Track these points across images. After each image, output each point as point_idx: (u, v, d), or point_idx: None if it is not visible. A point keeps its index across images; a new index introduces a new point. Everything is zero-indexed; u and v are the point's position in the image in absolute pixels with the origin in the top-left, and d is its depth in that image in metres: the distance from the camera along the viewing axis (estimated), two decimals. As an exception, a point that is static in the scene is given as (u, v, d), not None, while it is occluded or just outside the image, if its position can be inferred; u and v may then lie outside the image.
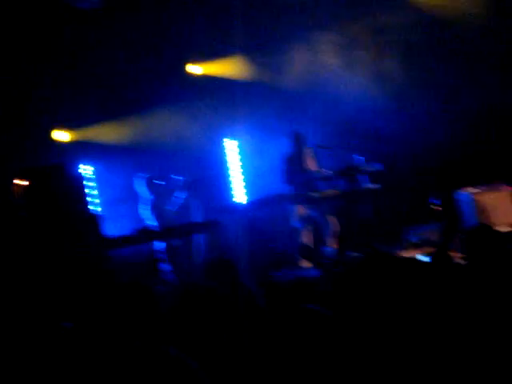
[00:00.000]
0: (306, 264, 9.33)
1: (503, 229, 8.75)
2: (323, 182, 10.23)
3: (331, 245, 9.95)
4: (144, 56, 11.25)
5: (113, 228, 10.08)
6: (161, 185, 10.60)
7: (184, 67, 11.96)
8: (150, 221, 10.43)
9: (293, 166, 10.35)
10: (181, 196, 10.68)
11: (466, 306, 3.65)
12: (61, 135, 11.55)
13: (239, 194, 11.99)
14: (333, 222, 10.19)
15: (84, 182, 9.72)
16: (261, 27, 11.13)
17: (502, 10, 10.36)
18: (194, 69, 12.01)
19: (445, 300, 3.86)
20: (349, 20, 11.08)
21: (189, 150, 11.38)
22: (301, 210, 10.15)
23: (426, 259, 7.34)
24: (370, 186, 10.26)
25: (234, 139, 12.13)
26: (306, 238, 10.12)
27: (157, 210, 10.54)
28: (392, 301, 3.64)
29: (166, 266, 10.17)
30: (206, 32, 11.21)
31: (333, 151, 10.28)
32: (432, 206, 10.30)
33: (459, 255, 5.45)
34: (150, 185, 10.55)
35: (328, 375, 3.32)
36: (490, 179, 10.46)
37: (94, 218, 9.37)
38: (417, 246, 9.83)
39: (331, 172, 10.08)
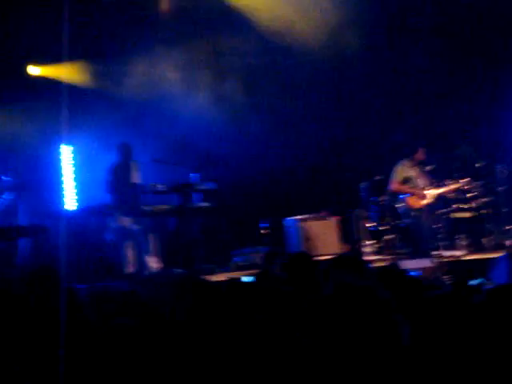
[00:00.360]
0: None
1: (326, 256, 9.06)
2: (155, 197, 10.20)
3: (150, 260, 9.88)
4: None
5: None
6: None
7: (25, 68, 11.63)
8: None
9: (117, 177, 10.21)
10: (8, 197, 10.34)
11: (287, 325, 3.76)
12: None
13: (70, 201, 11.75)
14: (152, 239, 10.09)
15: None
16: (105, 36, 11.02)
17: (340, 42, 10.74)
18: (34, 70, 11.71)
19: (264, 319, 3.96)
20: (193, 39, 11.16)
21: (22, 151, 11.05)
22: (124, 222, 9.98)
23: (249, 279, 7.49)
24: (203, 204, 10.36)
25: (70, 145, 11.90)
26: (128, 251, 9.98)
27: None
28: (203, 319, 3.70)
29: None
30: (50, 34, 10.92)
31: (168, 166, 10.29)
32: (261, 230, 10.54)
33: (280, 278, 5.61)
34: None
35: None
36: (318, 208, 10.82)
37: None
38: (242, 268, 10.00)
39: (165, 187, 10.06)
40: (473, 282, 6.03)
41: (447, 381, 3.13)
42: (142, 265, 9.75)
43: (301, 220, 10.61)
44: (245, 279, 8.65)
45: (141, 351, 3.45)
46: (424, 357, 3.00)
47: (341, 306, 2.70)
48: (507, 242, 10.89)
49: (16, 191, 10.42)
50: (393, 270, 4.73)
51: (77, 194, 11.76)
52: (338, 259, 4.94)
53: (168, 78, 11.25)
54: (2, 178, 10.45)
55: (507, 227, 11.13)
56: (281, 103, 11.70)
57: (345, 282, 2.70)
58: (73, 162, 11.92)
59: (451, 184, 10.99)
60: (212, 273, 9.55)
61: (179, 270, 9.58)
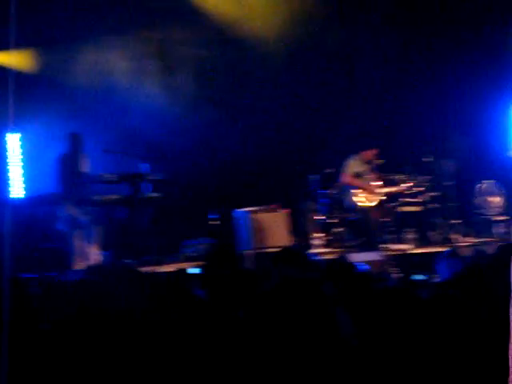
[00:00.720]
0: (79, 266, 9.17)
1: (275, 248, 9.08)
2: (104, 187, 10.10)
3: (93, 251, 9.76)
4: None
5: None
6: None
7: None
8: None
9: (66, 166, 10.07)
10: None
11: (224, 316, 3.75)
12: None
13: (17, 189, 11.56)
14: (100, 229, 9.99)
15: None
16: (54, 24, 10.83)
17: (293, 35, 10.74)
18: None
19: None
20: (144, 29, 11.05)
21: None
22: (72, 212, 9.85)
23: (196, 271, 7.49)
24: (152, 194, 10.30)
25: (17, 133, 11.71)
26: (77, 241, 9.86)
27: None
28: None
29: None
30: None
31: (118, 157, 10.20)
32: (210, 222, 10.51)
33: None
34: None
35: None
36: (268, 200, 10.83)
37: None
38: (191, 259, 9.96)
39: (114, 176, 9.97)
40: (418, 277, 6.11)
41: (392, 373, 3.16)
42: (88, 255, 9.64)
43: (251, 212, 10.60)
44: (191, 271, 8.66)
45: (89, 343, 3.42)
46: (367, 349, 3.02)
47: (282, 299, 2.71)
48: (453, 236, 11.06)
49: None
50: (341, 263, 4.76)
51: (24, 183, 11.59)
52: (283, 252, 4.95)
53: (119, 67, 11.12)
54: None
55: (453, 221, 11.31)
56: (232, 95, 11.68)
57: (285, 276, 2.70)
58: (20, 150, 11.74)
59: (400, 182, 11.14)
60: (161, 263, 9.51)
61: (128, 261, 9.51)
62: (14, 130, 11.60)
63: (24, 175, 11.60)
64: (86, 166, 10.16)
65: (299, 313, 2.70)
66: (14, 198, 11.20)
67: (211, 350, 3.33)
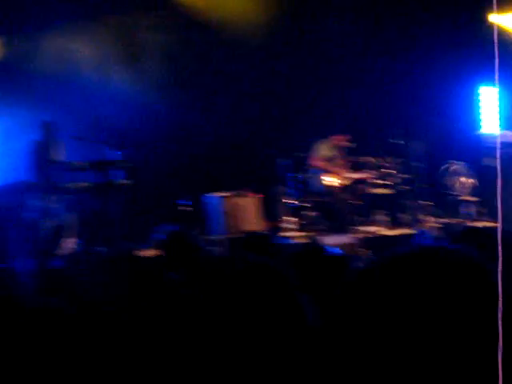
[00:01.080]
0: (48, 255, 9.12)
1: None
2: (74, 174, 10.04)
3: (71, 239, 9.72)
4: None
5: None
6: None
7: None
8: None
9: (40, 155, 10.01)
10: None
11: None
12: None
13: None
14: (72, 217, 9.94)
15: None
16: (18, 10, 10.70)
17: (262, 22, 10.72)
18: None
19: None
20: (111, 15, 10.94)
21: None
22: (44, 200, 9.78)
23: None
24: (123, 181, 10.25)
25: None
26: (50, 229, 9.79)
27: None
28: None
29: None
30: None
31: (87, 143, 10.14)
32: (181, 207, 10.49)
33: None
34: None
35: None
36: (239, 185, 10.84)
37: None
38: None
39: (84, 164, 9.91)
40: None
41: (358, 361, 3.19)
42: (61, 244, 9.59)
43: (222, 197, 10.61)
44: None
45: (72, 335, 3.41)
46: (334, 336, 3.04)
47: (242, 285, 2.71)
48: (423, 218, 11.16)
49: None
50: (312, 247, 4.78)
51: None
52: (248, 238, 4.96)
53: (86, 54, 11.04)
54: None
55: (423, 203, 11.40)
56: (199, 79, 11.65)
57: (248, 262, 2.70)
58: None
59: (371, 165, 11.22)
60: (134, 250, 9.46)
61: (102, 249, 9.48)
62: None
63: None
64: (59, 154, 10.11)
65: (259, 300, 2.70)
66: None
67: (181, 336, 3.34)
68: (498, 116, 12.09)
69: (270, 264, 2.77)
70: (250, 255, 4.30)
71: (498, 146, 11.20)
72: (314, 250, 4.28)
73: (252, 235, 5.33)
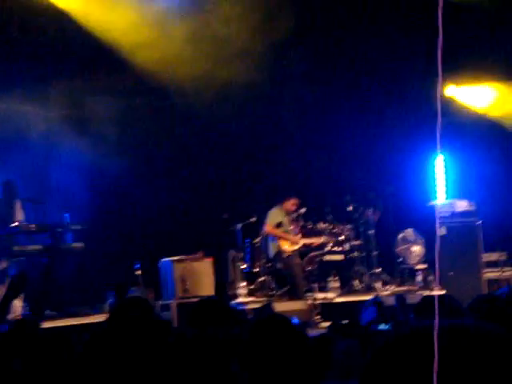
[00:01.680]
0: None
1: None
2: (25, 237, 9.88)
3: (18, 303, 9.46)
4: None
5: None
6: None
7: None
8: None
9: (-1, 215, 9.83)
10: None
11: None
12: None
13: None
14: (20, 280, 9.69)
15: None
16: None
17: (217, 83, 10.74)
18: None
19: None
20: (63, 78, 10.79)
21: None
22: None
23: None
24: (75, 244, 10.12)
25: None
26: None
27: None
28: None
29: None
30: None
31: (36, 205, 10.01)
32: (135, 271, 10.36)
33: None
34: None
35: None
36: (193, 249, 10.78)
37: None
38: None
39: (34, 226, 9.76)
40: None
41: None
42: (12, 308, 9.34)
43: (176, 261, 10.53)
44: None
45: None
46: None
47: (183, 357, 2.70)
48: (376, 285, 11.20)
49: None
50: (273, 318, 4.68)
51: None
52: (202, 303, 4.89)
53: (35, 115, 10.94)
54: None
55: (376, 270, 11.47)
56: (155, 143, 11.66)
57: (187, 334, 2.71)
58: None
59: (323, 231, 11.29)
60: (85, 315, 9.32)
61: (51, 313, 9.32)
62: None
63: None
64: (21, 215, 9.94)
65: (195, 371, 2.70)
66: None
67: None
68: (444, 184, 12.32)
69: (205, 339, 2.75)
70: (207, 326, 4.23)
71: (440, 215, 11.49)
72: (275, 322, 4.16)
73: (205, 300, 5.26)
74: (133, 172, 11.26)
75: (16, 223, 9.62)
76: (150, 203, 11.46)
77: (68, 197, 10.76)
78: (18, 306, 9.40)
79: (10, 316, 8.97)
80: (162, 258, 10.66)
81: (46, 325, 7.70)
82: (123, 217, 11.34)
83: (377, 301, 6.87)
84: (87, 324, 8.70)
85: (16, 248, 9.71)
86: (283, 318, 3.41)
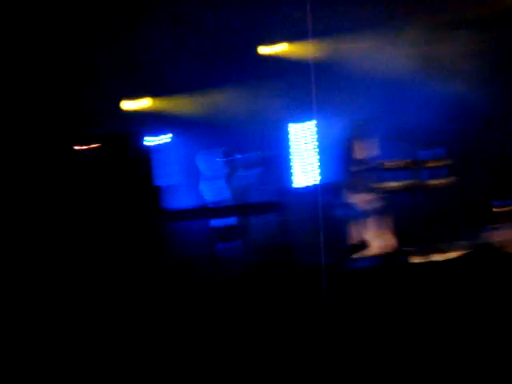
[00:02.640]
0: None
1: None
2: (385, 174, 10.05)
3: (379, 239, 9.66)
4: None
5: (176, 202, 10.25)
6: (233, 162, 10.70)
7: None
8: (212, 197, 10.55)
9: (351, 154, 10.06)
10: (250, 174, 10.73)
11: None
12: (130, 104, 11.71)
13: (299, 179, 11.79)
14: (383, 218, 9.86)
15: (151, 153, 9.88)
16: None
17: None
18: None
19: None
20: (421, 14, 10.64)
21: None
22: (352, 199, 9.83)
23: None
24: (438, 180, 10.07)
25: (310, 121, 12.04)
26: (357, 228, 9.82)
27: (231, 186, 10.66)
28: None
29: (230, 244, 10.24)
30: None
31: (397, 143, 10.12)
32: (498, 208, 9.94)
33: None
34: (226, 162, 10.71)
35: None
36: None
37: (157, 190, 9.56)
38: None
39: (395, 164, 9.89)
40: None
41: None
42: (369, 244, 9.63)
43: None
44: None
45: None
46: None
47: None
48: None
49: (257, 169, 10.80)
50: None
51: (308, 173, 11.85)
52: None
53: (398, 54, 10.95)
54: (244, 155, 10.88)
55: None
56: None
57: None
58: (313, 138, 12.04)
59: None
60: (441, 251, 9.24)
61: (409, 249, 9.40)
62: (305, 119, 11.98)
63: (315, 164, 11.89)
64: (371, 153, 10.15)
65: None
66: (298, 188, 11.46)
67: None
68: None
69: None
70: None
71: None
72: None
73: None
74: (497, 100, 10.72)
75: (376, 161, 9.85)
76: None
77: (429, 133, 10.65)
78: (378, 242, 9.65)
79: (369, 252, 9.25)
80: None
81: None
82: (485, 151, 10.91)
83: None
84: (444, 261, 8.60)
85: (379, 185, 9.92)
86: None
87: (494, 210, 9.91)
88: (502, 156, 10.82)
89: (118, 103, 11.55)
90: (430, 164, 9.97)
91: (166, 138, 11.89)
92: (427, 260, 8.68)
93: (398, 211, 9.96)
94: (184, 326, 5.98)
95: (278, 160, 11.55)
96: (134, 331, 5.61)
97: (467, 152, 10.86)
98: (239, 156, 10.88)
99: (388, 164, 9.94)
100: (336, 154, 10.27)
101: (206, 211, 10.10)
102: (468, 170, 10.73)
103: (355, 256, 9.25)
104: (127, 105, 11.69)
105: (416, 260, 8.65)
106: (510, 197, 10.11)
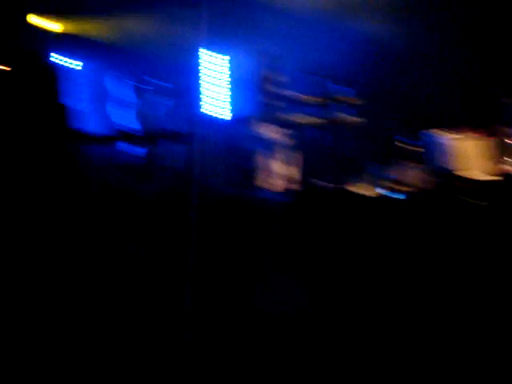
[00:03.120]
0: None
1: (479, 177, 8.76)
2: (299, 108, 10.07)
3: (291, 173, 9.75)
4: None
5: (86, 125, 10.05)
6: (147, 90, 10.53)
7: None
8: (121, 124, 10.39)
9: (265, 88, 10.06)
10: (167, 103, 10.60)
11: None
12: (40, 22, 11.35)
13: (221, 110, 11.76)
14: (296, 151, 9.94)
15: (59, 73, 9.61)
16: None
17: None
18: None
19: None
20: None
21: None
22: (265, 132, 9.87)
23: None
24: (350, 118, 10.16)
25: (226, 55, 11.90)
26: (265, 160, 9.88)
27: (141, 114, 10.50)
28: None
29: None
30: None
31: (311, 78, 10.12)
32: (399, 144, 10.13)
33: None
34: (137, 89, 10.50)
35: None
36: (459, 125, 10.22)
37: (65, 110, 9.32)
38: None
39: (312, 98, 9.92)
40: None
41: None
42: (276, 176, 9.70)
43: (455, 138, 10.08)
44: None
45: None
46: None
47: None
48: None
49: (174, 97, 10.68)
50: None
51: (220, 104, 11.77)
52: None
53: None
54: (159, 83, 10.72)
55: None
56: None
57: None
58: (228, 72, 11.93)
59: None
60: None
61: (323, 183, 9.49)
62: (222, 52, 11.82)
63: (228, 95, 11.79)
64: (284, 88, 10.15)
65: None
66: (219, 118, 11.42)
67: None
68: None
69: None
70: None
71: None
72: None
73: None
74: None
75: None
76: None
77: (345, 71, 10.66)
78: (289, 175, 9.71)
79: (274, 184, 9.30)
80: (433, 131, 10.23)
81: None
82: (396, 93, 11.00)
83: None
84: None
85: (293, 119, 9.95)
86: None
87: (398, 148, 10.10)
88: (411, 98, 10.97)
89: (26, 21, 11.14)
90: (342, 100, 10.04)
91: (76, 60, 11.58)
92: (333, 195, 8.84)
93: (307, 146, 10.04)
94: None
95: (190, 90, 11.41)
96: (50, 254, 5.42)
97: (378, 92, 10.96)
98: (151, 83, 10.70)
99: (300, 98, 9.97)
100: (248, 87, 10.24)
101: (114, 138, 9.95)
102: (377, 111, 10.86)
103: (261, 187, 9.31)
104: (36, 23, 11.31)
105: (322, 194, 8.77)
106: (414, 137, 10.32)
